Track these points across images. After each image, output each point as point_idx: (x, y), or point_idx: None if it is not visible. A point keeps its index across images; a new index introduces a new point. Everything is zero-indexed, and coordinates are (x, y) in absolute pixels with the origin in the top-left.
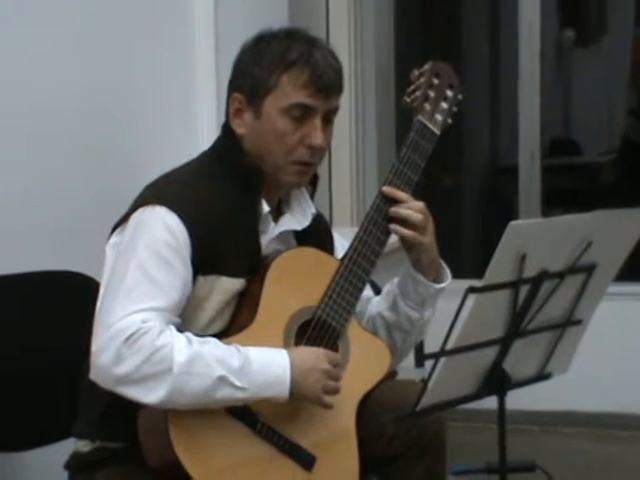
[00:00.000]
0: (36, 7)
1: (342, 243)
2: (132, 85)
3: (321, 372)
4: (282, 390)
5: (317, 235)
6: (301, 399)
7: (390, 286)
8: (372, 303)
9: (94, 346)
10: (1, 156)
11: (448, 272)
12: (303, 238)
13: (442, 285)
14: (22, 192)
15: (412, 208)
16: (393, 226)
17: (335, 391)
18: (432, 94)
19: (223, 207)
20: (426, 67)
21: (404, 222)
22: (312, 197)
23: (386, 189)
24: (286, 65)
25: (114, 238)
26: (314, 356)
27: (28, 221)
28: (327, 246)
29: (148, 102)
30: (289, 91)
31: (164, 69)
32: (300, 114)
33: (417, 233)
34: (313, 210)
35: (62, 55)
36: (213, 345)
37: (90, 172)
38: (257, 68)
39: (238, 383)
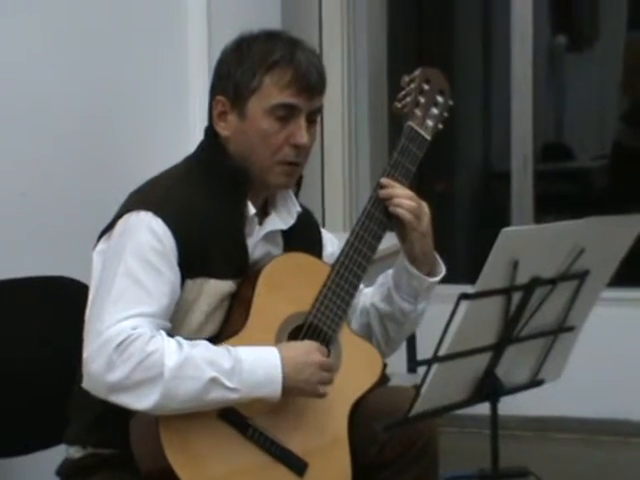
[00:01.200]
0: (32, 6)
1: (330, 239)
2: (126, 93)
3: (314, 365)
4: (274, 389)
5: (304, 233)
6: (296, 394)
7: (384, 278)
8: (364, 294)
9: (85, 354)
10: None
11: (442, 266)
12: (290, 237)
13: (436, 279)
14: (18, 198)
15: (405, 196)
16: (392, 208)
17: (330, 381)
18: (423, 100)
19: (208, 210)
20: (416, 73)
21: (400, 207)
22: (297, 196)
23: (384, 180)
24: (269, 66)
25: (101, 245)
26: (305, 350)
27: (23, 226)
28: (315, 244)
29: (141, 104)
30: (273, 91)
31: (157, 70)
32: (284, 114)
33: (413, 218)
34: (298, 208)
35: (57, 64)
36: (204, 347)
37: (85, 177)
38: (240, 70)
39: (230, 384)
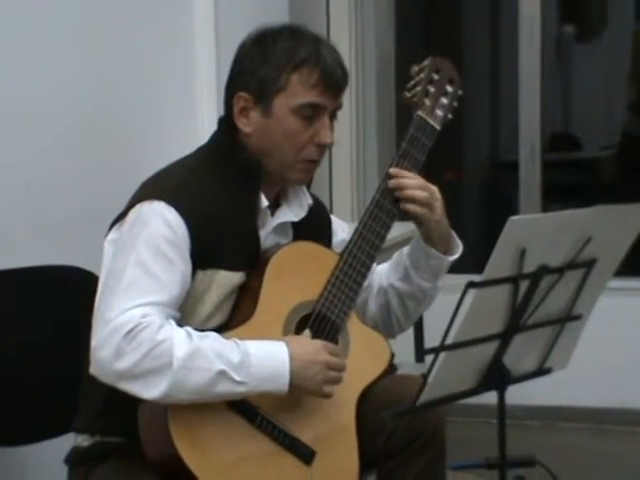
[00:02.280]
0: (36, 6)
1: (341, 225)
2: (133, 83)
3: (321, 364)
4: (282, 384)
5: (314, 225)
6: (301, 391)
7: (399, 257)
8: (378, 273)
9: (94, 341)
10: (2, 152)
11: (459, 243)
12: (300, 229)
13: (454, 257)
14: (23, 187)
15: (415, 187)
16: (403, 204)
17: (338, 381)
18: (432, 89)
19: (221, 201)
20: (426, 62)
21: (412, 201)
22: (308, 188)
23: (393, 170)
24: (296, 64)
25: (112, 234)
26: (313, 348)
27: (29, 216)
28: (324, 235)
29: (149, 100)
30: (300, 90)
31: (165, 67)
32: (310, 113)
33: (426, 210)
34: (310, 201)
35: (63, 53)
36: (213, 339)
37: (91, 168)
38: (265, 67)
39: (238, 378)
